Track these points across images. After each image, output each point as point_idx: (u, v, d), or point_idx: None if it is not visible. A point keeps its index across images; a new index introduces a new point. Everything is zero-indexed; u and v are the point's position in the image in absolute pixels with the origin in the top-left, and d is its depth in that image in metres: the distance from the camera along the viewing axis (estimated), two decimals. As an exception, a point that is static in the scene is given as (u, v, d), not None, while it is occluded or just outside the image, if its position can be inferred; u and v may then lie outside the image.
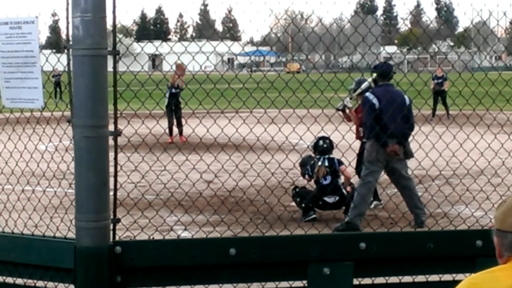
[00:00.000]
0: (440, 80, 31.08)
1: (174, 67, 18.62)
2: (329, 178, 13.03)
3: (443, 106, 31.00)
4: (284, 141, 10.60)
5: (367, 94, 12.14)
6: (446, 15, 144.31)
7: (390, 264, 5.32)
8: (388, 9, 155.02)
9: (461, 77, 6.99)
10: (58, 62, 5.83)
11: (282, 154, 7.34)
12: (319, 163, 13.09)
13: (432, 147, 7.02)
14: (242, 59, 20.87)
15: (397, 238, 5.44)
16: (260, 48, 9.20)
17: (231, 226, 9.76)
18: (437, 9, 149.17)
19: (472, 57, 8.66)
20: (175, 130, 25.06)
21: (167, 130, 23.59)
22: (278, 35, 7.84)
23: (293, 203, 13.16)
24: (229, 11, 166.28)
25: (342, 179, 13.23)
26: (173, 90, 23.88)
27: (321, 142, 13.04)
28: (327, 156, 13.13)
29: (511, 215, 3.22)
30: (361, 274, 5.35)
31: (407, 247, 5.31)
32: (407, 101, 11.57)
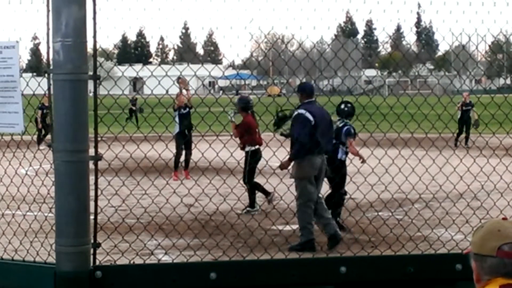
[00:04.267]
0: (468, 107, 31.08)
1: (176, 84, 17.69)
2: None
3: (464, 131, 30.43)
4: (265, 165, 10.62)
5: (301, 110, 11.99)
6: (426, 39, 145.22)
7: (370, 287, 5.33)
8: (369, 33, 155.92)
9: (440, 101, 7.02)
10: (38, 86, 5.82)
11: (262, 178, 7.35)
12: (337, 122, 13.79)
13: (411, 171, 7.05)
14: (222, 83, 20.85)
15: (377, 262, 5.46)
16: (241, 72, 9.23)
17: (212, 250, 9.76)
18: (417, 33, 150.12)
19: (451, 81, 8.73)
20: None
21: (172, 162, 19.75)
22: (259, 59, 7.88)
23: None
24: (210, 35, 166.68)
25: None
26: (182, 111, 20.26)
27: (342, 105, 13.79)
28: (344, 121, 13.82)
29: (490, 239, 3.25)
30: (341, 298, 5.34)
31: (387, 270, 5.33)
32: (330, 118, 12.04)
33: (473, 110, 30.67)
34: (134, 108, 41.61)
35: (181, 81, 19.31)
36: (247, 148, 15.47)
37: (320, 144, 11.60)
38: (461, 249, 7.05)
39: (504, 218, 3.34)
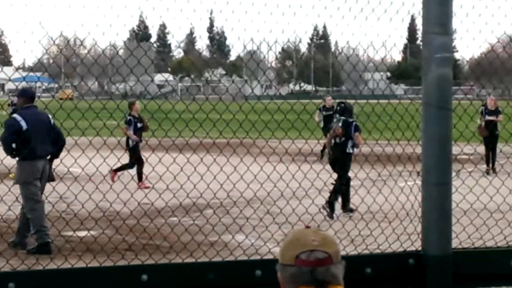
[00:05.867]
0: (492, 117, 23.70)
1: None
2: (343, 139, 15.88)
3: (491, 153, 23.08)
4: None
5: (15, 115, 12.48)
6: (218, 43, 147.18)
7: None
8: (162, 37, 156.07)
9: (228, 108, 7.10)
10: None
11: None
12: (334, 120, 16.32)
13: (213, 177, 7.03)
14: (13, 84, 20.28)
15: (179, 269, 5.34)
16: (34, 73, 9.05)
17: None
18: (209, 37, 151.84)
19: (243, 85, 8.89)
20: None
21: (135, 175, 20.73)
22: (51, 61, 7.74)
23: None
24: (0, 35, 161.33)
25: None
26: (138, 124, 21.22)
27: (338, 106, 16.39)
28: (343, 118, 15.89)
29: (290, 249, 3.30)
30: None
31: (189, 278, 5.22)
32: (52, 121, 12.34)
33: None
34: None
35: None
36: None
37: (36, 149, 12.06)
38: (260, 254, 7.19)
39: (307, 227, 3.38)
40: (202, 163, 6.85)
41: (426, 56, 5.50)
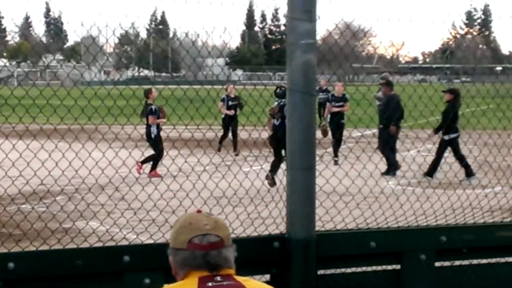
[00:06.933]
0: (338, 108, 23.47)
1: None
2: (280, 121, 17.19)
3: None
4: None
5: None
6: (55, 29, 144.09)
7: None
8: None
9: (69, 94, 6.95)
10: None
11: None
12: (275, 103, 17.72)
13: (57, 163, 6.87)
14: None
15: (46, 257, 5.27)
16: None
17: None
18: (46, 23, 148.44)
19: (84, 71, 8.73)
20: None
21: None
22: None
23: None
24: None
25: None
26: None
27: (278, 89, 17.33)
28: (282, 101, 16.80)
29: (182, 233, 3.31)
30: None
31: (57, 265, 5.18)
32: None
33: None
34: None
35: None
36: None
37: None
38: (115, 241, 7.06)
39: (199, 211, 3.39)
40: (43, 149, 6.69)
41: (291, 42, 5.55)
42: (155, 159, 19.60)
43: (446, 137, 19.13)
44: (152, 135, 19.84)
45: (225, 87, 24.57)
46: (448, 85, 22.47)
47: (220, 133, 24.00)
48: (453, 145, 19.25)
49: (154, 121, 19.92)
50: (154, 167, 19.61)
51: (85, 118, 6.62)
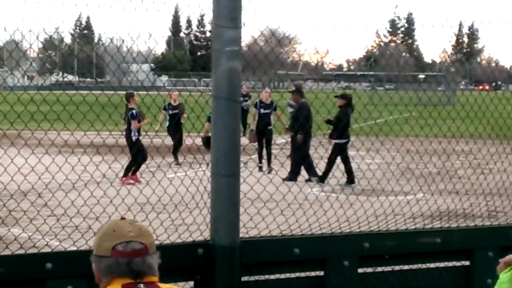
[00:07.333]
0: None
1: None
2: None
3: None
4: None
5: None
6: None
7: None
8: None
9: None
10: None
11: None
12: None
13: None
14: None
15: None
16: None
17: None
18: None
19: (7, 76, 8.60)
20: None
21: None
22: None
23: None
24: None
25: None
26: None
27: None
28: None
29: (106, 240, 3.26)
30: None
31: None
32: None
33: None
34: None
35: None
36: None
37: None
38: (37, 248, 6.97)
39: (122, 218, 3.35)
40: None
41: (216, 49, 5.56)
42: (134, 165, 19.46)
43: (337, 141, 19.37)
44: (133, 138, 19.78)
45: (169, 93, 23.64)
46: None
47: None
48: (343, 150, 19.58)
49: (137, 125, 19.76)
50: (134, 172, 19.47)
51: (8, 123, 6.53)
